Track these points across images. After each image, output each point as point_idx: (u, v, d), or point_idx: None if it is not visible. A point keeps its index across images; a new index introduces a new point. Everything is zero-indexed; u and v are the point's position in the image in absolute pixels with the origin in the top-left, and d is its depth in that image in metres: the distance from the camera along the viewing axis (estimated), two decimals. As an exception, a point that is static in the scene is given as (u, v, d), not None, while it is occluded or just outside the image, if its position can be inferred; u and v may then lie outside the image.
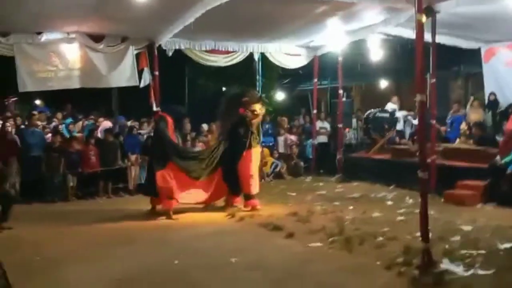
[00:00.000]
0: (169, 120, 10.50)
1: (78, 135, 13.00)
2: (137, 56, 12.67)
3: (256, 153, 10.37)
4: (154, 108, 12.49)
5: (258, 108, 10.38)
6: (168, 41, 12.63)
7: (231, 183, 10.23)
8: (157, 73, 12.56)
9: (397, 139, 14.69)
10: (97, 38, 12.03)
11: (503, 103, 14.09)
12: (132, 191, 12.42)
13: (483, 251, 6.69)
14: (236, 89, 11.37)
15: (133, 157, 12.52)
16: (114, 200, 11.97)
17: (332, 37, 13.27)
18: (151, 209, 10.14)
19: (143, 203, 10.36)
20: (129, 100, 16.52)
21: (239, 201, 10.40)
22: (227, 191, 10.37)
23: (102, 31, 11.88)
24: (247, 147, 10.17)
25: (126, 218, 9.67)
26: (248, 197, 10.18)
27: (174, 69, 16.81)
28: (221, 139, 10.47)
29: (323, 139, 15.72)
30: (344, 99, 15.28)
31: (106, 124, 13.58)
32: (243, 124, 10.28)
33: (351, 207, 10.07)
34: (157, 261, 6.83)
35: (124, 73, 12.48)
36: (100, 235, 8.42)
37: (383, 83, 20.58)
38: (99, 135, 12.93)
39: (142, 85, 12.73)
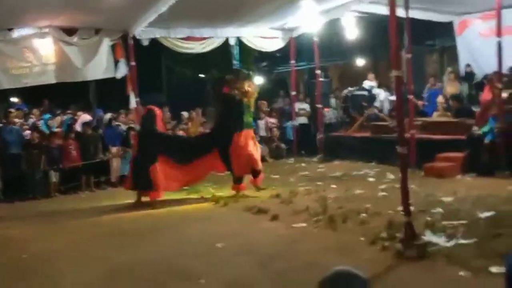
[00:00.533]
0: (157, 112, 10.37)
1: (57, 130, 12.89)
2: (112, 48, 12.55)
3: (248, 135, 10.02)
4: (132, 99, 12.43)
5: (247, 85, 10.08)
6: (143, 31, 12.51)
7: (228, 164, 9.98)
8: (133, 63, 12.47)
9: (375, 111, 14.75)
10: (70, 31, 11.88)
11: (479, 74, 14.25)
12: (115, 183, 12.38)
13: (464, 221, 6.83)
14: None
15: (114, 149, 12.47)
16: (97, 193, 11.93)
17: (307, 18, 13.25)
18: (136, 201, 10.05)
19: (127, 194, 10.32)
20: (107, 92, 16.43)
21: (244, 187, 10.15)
22: (224, 168, 10.13)
23: (75, 24, 11.74)
24: (240, 128, 9.85)
25: (111, 211, 9.67)
26: (240, 180, 10.09)
27: (150, 58, 16.75)
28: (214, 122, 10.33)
29: (303, 120, 15.79)
30: (322, 79, 15.33)
31: (85, 117, 13.49)
32: (230, 104, 10.03)
33: (333, 186, 10.18)
34: (145, 252, 6.85)
35: (100, 65, 12.37)
36: (87, 229, 8.40)
37: (360, 61, 20.64)
38: (78, 129, 12.82)
39: (118, 76, 12.63)
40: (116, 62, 12.58)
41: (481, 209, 7.36)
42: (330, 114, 16.41)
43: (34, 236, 8.12)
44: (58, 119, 13.81)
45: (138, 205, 9.86)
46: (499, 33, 9.82)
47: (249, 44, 14.95)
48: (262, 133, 15.20)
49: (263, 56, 19.11)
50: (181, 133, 13.41)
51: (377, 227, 6.90)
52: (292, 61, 15.55)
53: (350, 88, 15.62)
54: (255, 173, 10.14)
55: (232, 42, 14.81)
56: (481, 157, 10.09)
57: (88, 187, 12.08)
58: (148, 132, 10.11)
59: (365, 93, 15.00)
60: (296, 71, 16.34)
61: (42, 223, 9.04)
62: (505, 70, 10.97)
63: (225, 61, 16.89)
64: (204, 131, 13.92)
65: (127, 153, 12.40)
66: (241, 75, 10.47)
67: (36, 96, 15.13)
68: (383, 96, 15.41)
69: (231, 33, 14.25)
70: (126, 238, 7.63)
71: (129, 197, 10.22)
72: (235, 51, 15.68)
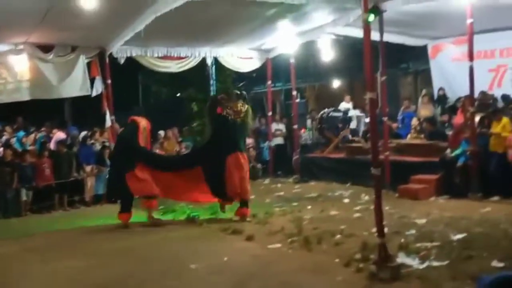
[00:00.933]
0: (141, 123, 9.89)
1: (31, 148, 12.69)
2: (88, 65, 12.50)
3: (243, 158, 9.57)
4: (108, 117, 12.35)
5: (239, 105, 9.70)
6: (120, 49, 12.51)
7: (214, 186, 9.44)
8: (109, 81, 12.43)
9: (350, 136, 14.90)
10: (46, 48, 11.82)
11: (452, 97, 14.50)
12: (89, 203, 12.21)
13: (437, 243, 6.91)
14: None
15: (88, 168, 12.31)
16: (71, 212, 11.72)
17: (284, 39, 13.40)
18: (149, 218, 9.55)
19: (101, 214, 10.20)
20: (82, 110, 16.29)
21: (247, 212, 9.49)
22: (210, 194, 9.55)
23: (51, 41, 11.68)
24: (234, 149, 9.42)
25: (86, 230, 9.51)
26: (244, 203, 9.50)
27: (126, 76, 16.70)
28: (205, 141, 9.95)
29: (279, 140, 15.83)
30: (298, 100, 15.45)
31: (59, 135, 13.32)
32: (224, 125, 9.54)
33: (309, 207, 10.20)
34: (117, 271, 6.75)
35: (75, 83, 12.29)
36: (61, 249, 8.22)
37: (336, 83, 20.88)
38: (52, 147, 12.64)
39: (94, 94, 12.57)
40: (92, 80, 12.51)
41: (454, 231, 7.46)
42: (306, 135, 16.50)
43: (7, 256, 7.93)
44: (32, 136, 13.61)
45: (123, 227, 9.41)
46: (471, 57, 10.03)
47: (226, 64, 15.03)
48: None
49: (240, 76, 19.17)
50: (157, 151, 13.28)
51: (351, 248, 6.92)
52: (269, 82, 15.65)
53: (326, 109, 15.75)
54: (244, 203, 9.52)
55: (209, 61, 14.87)
56: (454, 180, 10.24)
57: (61, 206, 11.87)
58: (126, 141, 9.81)
59: (341, 114, 15.13)
60: (272, 92, 16.43)
61: (16, 243, 8.74)
62: (476, 94, 11.17)
63: (202, 80, 16.90)
64: (180, 149, 13.89)
65: (102, 172, 12.27)
66: (233, 95, 10.11)
67: (10, 113, 14.91)
68: (358, 118, 15.56)
69: (208, 52, 14.32)
70: (99, 257, 7.51)
71: (103, 216, 10.07)
72: (212, 70, 15.72)
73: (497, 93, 13.50)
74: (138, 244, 8.24)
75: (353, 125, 15.44)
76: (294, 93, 14.89)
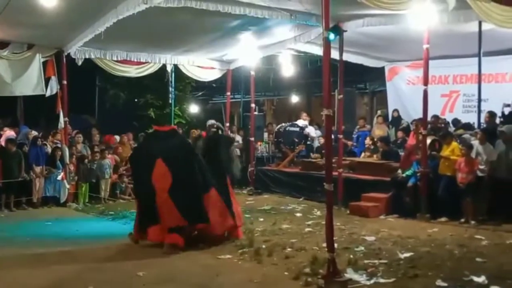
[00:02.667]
0: None
1: (-22, 145, 12.29)
2: (44, 64, 12.21)
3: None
4: (61, 118, 12.09)
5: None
6: (78, 50, 12.29)
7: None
8: (65, 82, 12.18)
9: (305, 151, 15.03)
10: (1, 44, 11.50)
11: (405, 119, 14.85)
12: (36, 204, 11.88)
13: (385, 261, 7.04)
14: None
15: (37, 169, 11.99)
16: (17, 213, 11.38)
17: (245, 52, 13.46)
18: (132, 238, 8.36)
19: (49, 215, 9.92)
20: (36, 109, 15.90)
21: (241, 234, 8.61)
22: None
23: (7, 37, 11.39)
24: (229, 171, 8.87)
25: (29, 235, 9.22)
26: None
27: (83, 78, 16.41)
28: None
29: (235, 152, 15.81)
30: (256, 113, 15.50)
31: (9, 133, 12.93)
32: (217, 144, 8.91)
33: (261, 219, 10.22)
34: (64, 276, 6.58)
35: (29, 81, 12.00)
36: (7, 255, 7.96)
37: (294, 98, 21.09)
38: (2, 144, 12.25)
39: (48, 94, 12.27)
40: (47, 80, 12.24)
41: (402, 250, 7.63)
42: (262, 148, 16.56)
43: None
44: (-20, 133, 13.19)
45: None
46: (425, 82, 10.30)
47: (186, 72, 14.97)
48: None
49: (199, 85, 19.15)
50: (110, 157, 13.07)
51: (301, 262, 6.96)
52: (228, 93, 15.66)
53: (283, 124, 15.87)
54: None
55: (169, 68, 14.78)
56: (403, 199, 10.46)
57: (7, 207, 11.50)
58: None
59: (297, 129, 15.26)
60: (231, 103, 16.45)
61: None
62: (429, 117, 11.47)
63: (161, 87, 16.78)
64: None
65: (52, 174, 11.99)
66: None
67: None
68: (314, 134, 15.73)
69: (168, 59, 14.24)
70: (43, 263, 7.29)
71: (52, 215, 9.77)
72: (171, 78, 15.62)
73: (449, 117, 13.92)
74: (84, 250, 8.06)
75: (309, 140, 15.59)
76: (253, 105, 14.95)
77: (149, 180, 7.90)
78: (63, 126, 12.25)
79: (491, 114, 11.58)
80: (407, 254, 7.39)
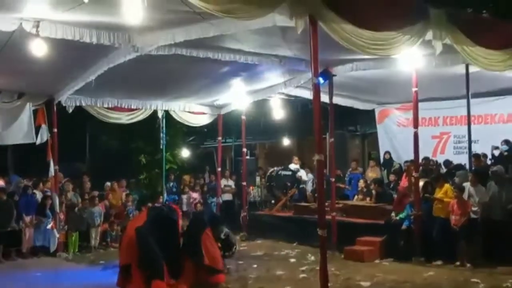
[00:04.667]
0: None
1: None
2: (35, 112, 12.20)
3: None
4: (51, 167, 12.00)
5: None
6: (69, 98, 12.29)
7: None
8: (55, 130, 12.15)
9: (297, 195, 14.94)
10: (-9, 93, 11.51)
11: (397, 161, 14.88)
12: (26, 254, 11.65)
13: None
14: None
15: (27, 219, 11.80)
16: (6, 264, 11.13)
17: (236, 96, 13.54)
18: None
19: (39, 266, 9.69)
20: (26, 158, 15.80)
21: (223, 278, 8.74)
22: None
23: (-3, 86, 11.40)
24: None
25: None
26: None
27: (74, 125, 16.39)
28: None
29: (227, 197, 15.73)
30: (248, 157, 15.50)
31: (-1, 183, 12.80)
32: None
33: (254, 265, 10.08)
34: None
35: (20, 130, 11.97)
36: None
37: (286, 141, 21.12)
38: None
39: (38, 142, 12.22)
40: (38, 128, 12.20)
41: (397, 295, 7.48)
42: (254, 192, 16.48)
43: None
44: (-30, 183, 13.03)
45: None
46: (415, 124, 10.36)
47: (177, 118, 15.02)
48: (185, 207, 14.96)
49: (190, 130, 19.17)
50: (100, 205, 12.92)
51: (295, 310, 6.82)
52: (219, 138, 15.67)
53: (275, 168, 15.84)
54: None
55: (160, 114, 14.82)
56: (398, 243, 10.35)
57: (-5, 258, 11.26)
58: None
59: (290, 173, 15.22)
60: (223, 148, 16.44)
61: None
62: (421, 159, 11.49)
63: (152, 132, 16.78)
64: (127, 202, 13.51)
65: (42, 223, 11.81)
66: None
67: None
68: (306, 177, 15.68)
69: (159, 105, 14.29)
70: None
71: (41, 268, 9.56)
72: (163, 123, 15.65)
73: (441, 158, 13.95)
74: None
75: (301, 184, 15.54)
76: (244, 150, 14.94)
77: None
78: (53, 174, 12.14)
79: (476, 157, 11.64)
80: (404, 300, 7.27)
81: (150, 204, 11.99)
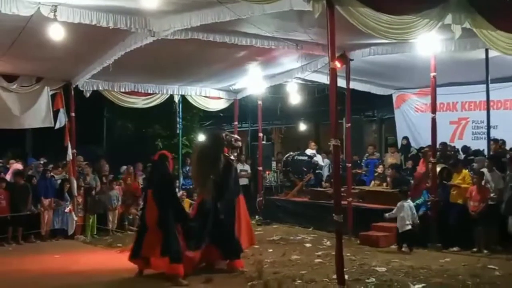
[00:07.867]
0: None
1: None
2: (53, 97, 12.31)
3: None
4: (69, 151, 12.12)
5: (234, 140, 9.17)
6: (86, 82, 12.38)
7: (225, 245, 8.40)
8: (73, 114, 12.25)
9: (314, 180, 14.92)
10: (10, 78, 11.60)
11: (414, 147, 14.76)
12: (44, 237, 11.82)
13: (396, 292, 6.89)
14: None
15: (46, 201, 11.96)
16: (25, 246, 11.30)
17: (252, 81, 13.51)
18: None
19: (57, 248, 9.81)
20: (44, 142, 15.95)
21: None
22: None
23: (16, 71, 11.49)
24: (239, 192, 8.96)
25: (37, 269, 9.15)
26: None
27: (92, 110, 16.49)
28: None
29: (244, 181, 15.66)
30: (264, 142, 15.47)
31: (16, 166, 12.95)
32: (230, 167, 8.80)
33: (270, 250, 10.09)
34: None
35: (38, 114, 12.07)
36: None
37: (302, 126, 21.07)
38: (8, 178, 12.23)
39: (57, 126, 12.34)
40: (56, 112, 12.31)
41: (413, 281, 7.47)
42: (270, 177, 16.48)
43: None
44: (-12, 167, 13.20)
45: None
46: (433, 109, 10.26)
47: (193, 103, 15.05)
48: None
49: (207, 115, 19.20)
50: (117, 188, 13.02)
51: (311, 294, 6.84)
52: (235, 122, 15.66)
53: (291, 153, 15.81)
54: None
55: (176, 99, 14.86)
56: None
57: (15, 240, 11.43)
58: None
59: (306, 158, 15.19)
60: (239, 132, 16.44)
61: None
62: (438, 145, 11.39)
63: (168, 117, 16.85)
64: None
65: (60, 206, 11.96)
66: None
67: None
68: (322, 162, 15.64)
69: (175, 90, 14.32)
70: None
71: (60, 251, 9.66)
72: (179, 108, 15.69)
73: (458, 144, 13.81)
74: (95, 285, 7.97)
75: (318, 169, 15.50)
76: (260, 134, 14.93)
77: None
78: (71, 157, 12.27)
79: (495, 142, 11.51)
80: (419, 286, 7.25)
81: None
